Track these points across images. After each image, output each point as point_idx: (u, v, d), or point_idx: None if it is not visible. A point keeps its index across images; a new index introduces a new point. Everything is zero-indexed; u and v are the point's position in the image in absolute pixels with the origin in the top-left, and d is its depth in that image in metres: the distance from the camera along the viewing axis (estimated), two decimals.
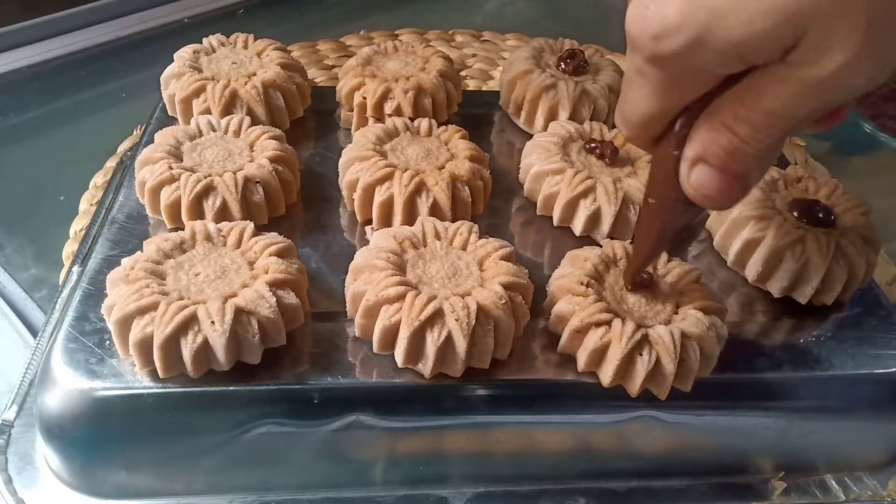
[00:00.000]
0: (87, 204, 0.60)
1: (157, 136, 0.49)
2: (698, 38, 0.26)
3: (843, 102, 0.27)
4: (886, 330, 0.45)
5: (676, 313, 0.40)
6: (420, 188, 0.47)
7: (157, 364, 0.37)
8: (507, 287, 0.39)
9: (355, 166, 0.48)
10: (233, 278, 0.39)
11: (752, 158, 0.29)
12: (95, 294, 0.42)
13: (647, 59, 0.28)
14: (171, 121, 0.56)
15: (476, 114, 0.61)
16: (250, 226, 0.42)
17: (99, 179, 0.63)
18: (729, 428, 0.43)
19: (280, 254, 0.40)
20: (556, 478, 0.43)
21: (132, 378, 0.38)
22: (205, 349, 0.37)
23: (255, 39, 0.60)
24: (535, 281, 0.41)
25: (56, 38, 0.83)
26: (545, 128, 0.56)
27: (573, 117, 0.57)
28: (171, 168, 0.46)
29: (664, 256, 0.43)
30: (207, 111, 0.54)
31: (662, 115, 0.30)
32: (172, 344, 0.36)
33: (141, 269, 0.38)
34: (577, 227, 0.49)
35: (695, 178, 0.30)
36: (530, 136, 0.55)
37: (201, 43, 0.59)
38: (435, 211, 0.47)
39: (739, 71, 0.27)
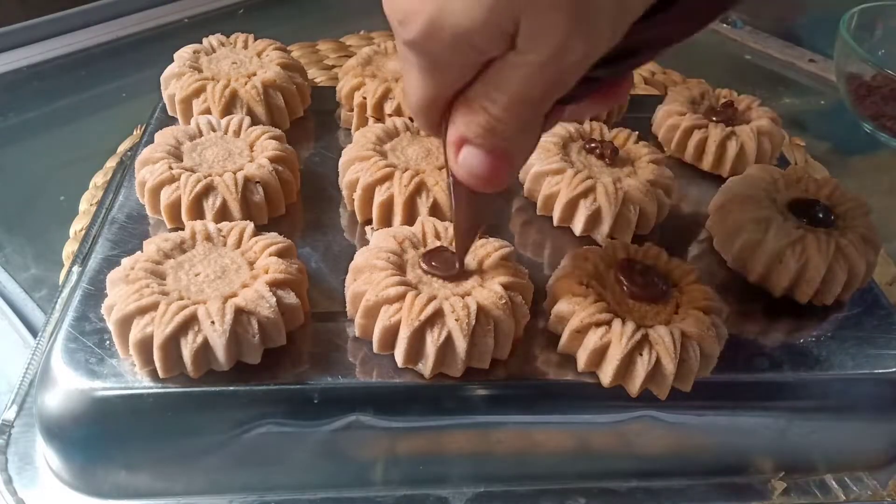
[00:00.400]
0: (87, 204, 0.60)
1: (157, 136, 0.49)
2: (431, 26, 0.27)
3: (575, 79, 0.28)
4: (886, 330, 0.45)
5: (676, 313, 0.40)
6: (420, 188, 0.47)
7: (157, 364, 0.37)
8: (507, 287, 0.39)
9: (355, 166, 0.48)
10: (233, 278, 0.39)
11: (509, 136, 0.30)
12: (95, 294, 0.42)
13: (403, 44, 0.29)
14: (171, 121, 0.56)
15: None
16: (250, 226, 0.42)
17: (99, 179, 0.63)
18: (729, 428, 0.43)
19: (280, 254, 0.40)
20: (556, 478, 0.43)
21: (132, 378, 0.38)
22: (205, 349, 0.37)
23: (255, 39, 0.60)
24: (535, 281, 0.41)
25: (56, 38, 0.83)
26: None
27: None
28: (171, 168, 0.46)
29: (664, 256, 0.43)
30: (207, 111, 0.54)
31: (435, 100, 0.31)
32: (172, 344, 0.36)
33: (141, 269, 0.38)
34: (577, 227, 0.49)
35: (461, 159, 0.31)
36: None
37: (201, 43, 0.59)
38: (435, 211, 0.47)
39: (486, 60, 0.28)
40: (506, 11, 0.26)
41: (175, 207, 0.46)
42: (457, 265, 0.40)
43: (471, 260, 0.41)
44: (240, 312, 0.37)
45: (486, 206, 0.37)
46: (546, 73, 0.27)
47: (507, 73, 0.28)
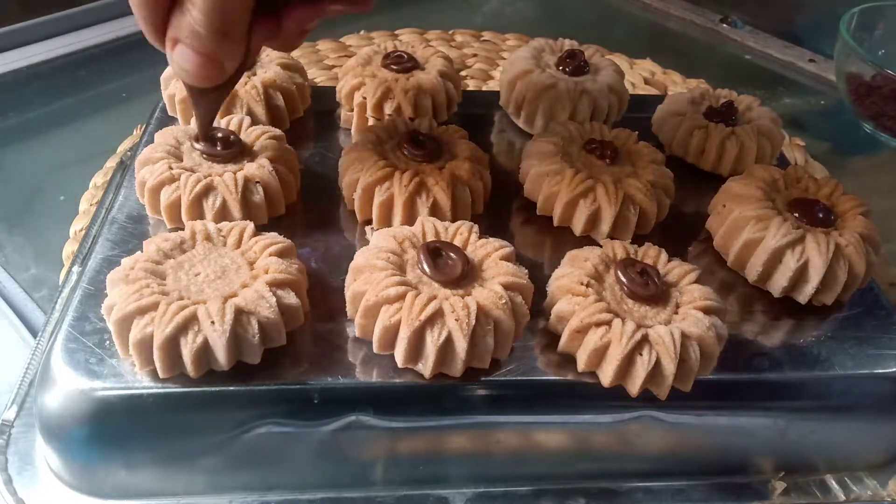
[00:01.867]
0: (87, 204, 0.60)
1: (157, 135, 0.49)
2: None
3: None
4: (886, 330, 0.45)
5: (676, 313, 0.40)
6: (420, 188, 0.47)
7: (157, 364, 0.37)
8: (507, 287, 0.39)
9: (355, 166, 0.48)
10: (233, 278, 0.39)
11: (211, 38, 0.34)
12: (95, 294, 0.42)
13: None
14: (171, 120, 0.56)
15: (476, 114, 0.61)
16: (250, 226, 0.42)
17: (99, 179, 0.63)
18: (729, 428, 0.43)
19: (280, 254, 0.40)
20: (556, 478, 0.43)
21: (132, 378, 0.38)
22: (205, 349, 0.37)
23: None
24: (535, 281, 0.41)
25: (56, 38, 0.83)
26: (545, 128, 0.56)
27: (573, 117, 0.57)
28: (170, 168, 0.46)
29: (664, 256, 0.43)
30: None
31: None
32: (172, 344, 0.36)
33: (141, 269, 0.38)
34: (577, 227, 0.49)
35: (175, 56, 0.35)
36: (530, 136, 0.55)
37: None
38: (435, 211, 0.47)
39: None
40: None
41: (175, 207, 0.46)
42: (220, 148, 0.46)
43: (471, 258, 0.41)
44: (240, 312, 0.37)
45: (214, 99, 0.42)
46: None
47: None
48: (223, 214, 0.46)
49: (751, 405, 0.42)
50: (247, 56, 0.37)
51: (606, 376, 0.39)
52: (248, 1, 0.33)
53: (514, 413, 0.41)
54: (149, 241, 0.41)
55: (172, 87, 0.55)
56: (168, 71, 0.56)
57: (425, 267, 0.39)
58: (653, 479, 0.43)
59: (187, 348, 0.36)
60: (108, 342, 0.39)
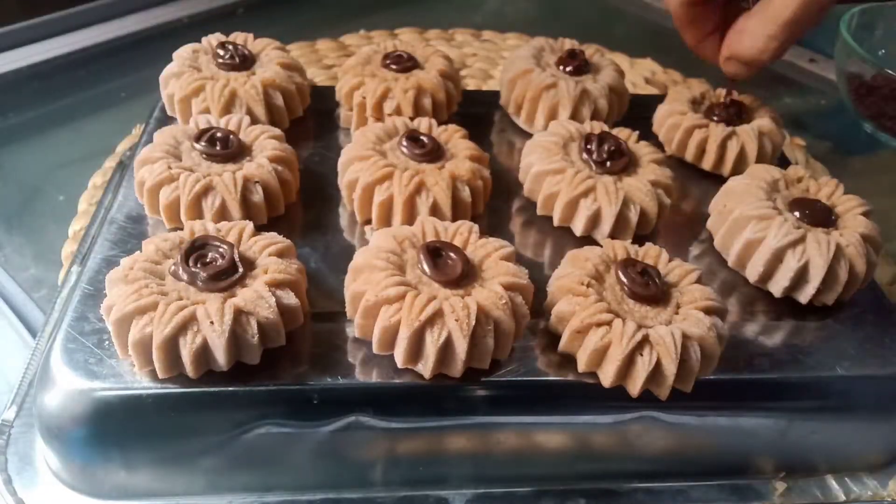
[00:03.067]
0: (86, 204, 0.60)
1: (156, 135, 0.49)
2: None
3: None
4: (887, 330, 0.45)
5: (677, 314, 0.40)
6: (420, 188, 0.47)
7: (157, 364, 0.36)
8: (508, 287, 0.39)
9: (355, 166, 0.48)
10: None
11: (770, 54, 0.49)
12: (94, 294, 0.42)
13: None
14: (171, 120, 0.56)
15: (476, 113, 0.61)
16: (249, 225, 0.42)
17: (98, 179, 0.62)
18: (730, 428, 0.43)
19: (279, 254, 0.40)
20: (557, 479, 0.43)
21: (131, 378, 0.38)
22: (204, 349, 0.37)
23: (255, 39, 0.60)
24: (535, 281, 0.41)
25: (56, 38, 0.83)
26: (545, 127, 0.56)
27: (573, 117, 0.56)
28: (169, 168, 0.46)
29: (665, 257, 0.43)
30: (206, 111, 0.53)
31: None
32: (171, 344, 0.36)
33: (140, 269, 0.38)
34: (578, 227, 0.49)
35: (729, 68, 0.54)
36: (530, 136, 0.55)
37: (201, 42, 0.59)
38: (435, 211, 0.46)
39: None
40: None
41: (174, 207, 0.46)
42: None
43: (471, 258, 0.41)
44: (239, 313, 0.37)
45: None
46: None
47: (779, 5, 0.46)
48: (222, 214, 0.46)
49: (751, 406, 0.42)
50: None
51: (607, 377, 0.38)
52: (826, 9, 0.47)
53: (514, 414, 0.41)
54: (148, 241, 0.41)
55: (172, 86, 0.55)
56: (167, 70, 0.56)
57: (425, 267, 0.39)
58: (653, 480, 0.43)
59: (186, 348, 0.36)
60: (107, 342, 0.39)
